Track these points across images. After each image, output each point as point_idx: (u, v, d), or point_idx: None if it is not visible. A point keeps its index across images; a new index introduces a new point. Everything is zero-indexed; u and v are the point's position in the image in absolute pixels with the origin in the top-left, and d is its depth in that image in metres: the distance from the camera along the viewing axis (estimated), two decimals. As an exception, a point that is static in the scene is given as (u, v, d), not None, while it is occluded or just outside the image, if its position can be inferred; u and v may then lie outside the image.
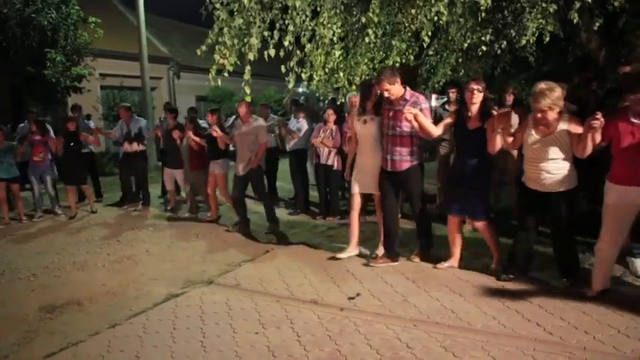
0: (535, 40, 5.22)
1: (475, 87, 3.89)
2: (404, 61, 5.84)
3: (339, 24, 4.72)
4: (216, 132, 6.07)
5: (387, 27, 5.60)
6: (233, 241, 5.70)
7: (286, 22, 4.34)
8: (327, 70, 4.94)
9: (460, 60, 6.70)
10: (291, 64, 4.42)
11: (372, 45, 5.34)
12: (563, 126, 3.42)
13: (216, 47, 4.05)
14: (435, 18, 4.81)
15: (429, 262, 4.34)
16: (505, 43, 5.52)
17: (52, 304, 3.99)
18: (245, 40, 4.07)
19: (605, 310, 3.25)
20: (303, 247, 5.16)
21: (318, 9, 4.53)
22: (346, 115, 6.37)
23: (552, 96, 3.34)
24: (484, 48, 5.48)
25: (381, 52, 5.81)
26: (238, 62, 4.22)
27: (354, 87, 5.71)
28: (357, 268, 4.34)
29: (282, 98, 17.75)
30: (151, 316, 3.60)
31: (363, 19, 4.86)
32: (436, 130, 4.04)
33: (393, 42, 5.54)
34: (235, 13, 4.00)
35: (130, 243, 5.83)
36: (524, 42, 5.14)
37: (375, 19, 4.76)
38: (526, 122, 3.63)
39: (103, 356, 3.05)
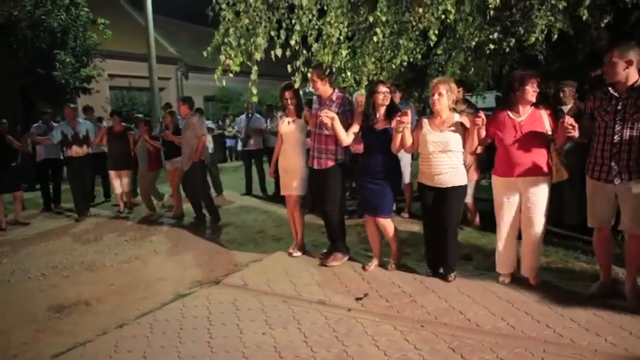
0: (544, 38, 5.16)
1: (385, 89, 4.05)
2: (412, 60, 5.79)
3: (346, 23, 4.69)
4: (168, 135, 6.79)
5: (395, 26, 5.56)
6: (240, 241, 5.71)
7: (293, 21, 4.32)
8: (333, 69, 4.91)
9: (469, 59, 6.63)
10: (298, 63, 4.40)
11: (379, 44, 5.30)
12: (456, 119, 3.75)
13: (222, 48, 4.04)
14: (443, 16, 4.76)
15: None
16: (513, 40, 5.45)
17: (61, 304, 4.02)
18: (251, 40, 4.06)
19: (617, 312, 3.20)
20: (311, 246, 5.14)
21: (325, 8, 4.50)
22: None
23: (452, 86, 3.77)
24: (492, 46, 5.42)
25: (388, 52, 5.77)
26: (247, 62, 4.20)
27: (361, 86, 5.68)
28: (367, 269, 4.32)
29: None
30: (158, 316, 3.61)
31: (371, 19, 4.82)
32: (347, 139, 4.15)
33: (401, 41, 5.49)
34: (241, 14, 3.99)
35: (137, 243, 5.86)
36: (532, 40, 5.07)
37: (383, 18, 4.72)
38: (421, 122, 3.92)
39: (110, 356, 3.06)
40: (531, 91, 3.50)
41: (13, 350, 3.26)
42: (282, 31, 4.28)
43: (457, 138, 3.73)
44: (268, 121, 8.70)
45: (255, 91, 4.36)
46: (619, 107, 3.20)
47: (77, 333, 3.45)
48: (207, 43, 4.24)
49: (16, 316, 3.86)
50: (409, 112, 3.78)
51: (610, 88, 3.28)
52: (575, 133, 3.23)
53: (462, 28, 5.48)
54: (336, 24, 4.50)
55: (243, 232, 6.09)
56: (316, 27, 4.52)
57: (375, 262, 4.32)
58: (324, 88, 4.39)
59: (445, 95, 3.72)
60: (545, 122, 3.53)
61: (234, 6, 4.02)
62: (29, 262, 5.27)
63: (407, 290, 3.80)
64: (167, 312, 3.69)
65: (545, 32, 5.01)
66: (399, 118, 3.71)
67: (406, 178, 6.27)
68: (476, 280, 3.88)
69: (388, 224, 4.17)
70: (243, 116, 9.20)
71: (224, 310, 3.64)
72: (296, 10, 4.30)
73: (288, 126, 4.70)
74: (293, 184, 4.67)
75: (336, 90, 4.45)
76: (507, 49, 5.57)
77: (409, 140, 3.88)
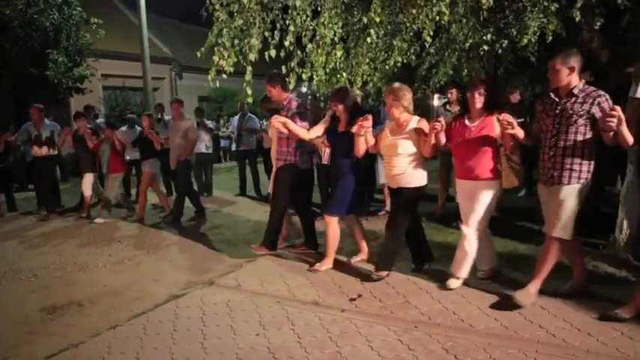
0: (537, 40, 5.19)
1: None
2: (405, 60, 5.82)
3: (340, 24, 4.71)
4: (153, 134, 6.77)
5: (389, 27, 5.58)
6: (234, 242, 5.69)
7: (287, 22, 4.33)
8: (327, 70, 4.93)
9: (462, 59, 6.67)
10: (292, 64, 4.41)
11: (373, 45, 5.32)
12: (413, 125, 3.92)
13: (215, 48, 4.04)
14: (437, 18, 4.79)
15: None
16: (506, 42, 5.49)
17: (53, 305, 3.99)
18: (245, 40, 4.06)
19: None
20: (304, 247, 5.13)
21: (319, 9, 4.52)
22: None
23: (397, 92, 3.88)
24: (485, 47, 5.46)
25: (382, 52, 5.79)
26: (242, 62, 4.21)
27: (355, 87, 5.69)
28: (359, 270, 4.32)
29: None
30: (151, 317, 3.60)
31: (365, 19, 4.84)
32: (307, 135, 4.41)
33: (395, 42, 5.52)
34: (235, 14, 3.99)
35: (131, 244, 5.83)
36: (525, 41, 5.11)
37: (377, 19, 4.75)
38: (384, 127, 4.12)
39: (103, 357, 3.04)
40: (476, 98, 3.63)
41: (5, 352, 3.23)
42: (276, 32, 4.28)
43: (408, 143, 3.90)
44: (263, 121, 8.69)
45: (249, 92, 4.37)
46: (557, 111, 3.26)
47: (69, 334, 3.42)
48: (202, 43, 4.24)
49: (7, 317, 3.82)
50: (369, 116, 3.95)
51: (552, 93, 3.34)
52: (517, 132, 3.34)
53: (455, 30, 5.51)
54: (330, 25, 4.53)
55: (237, 233, 6.08)
56: (310, 28, 4.53)
57: (361, 255, 4.52)
58: (278, 95, 4.61)
59: (398, 102, 3.88)
60: (495, 128, 3.58)
61: (228, 7, 4.02)
62: (21, 262, 5.23)
63: (400, 291, 3.81)
64: (160, 313, 3.68)
65: (537, 34, 5.05)
66: (360, 122, 3.90)
67: (381, 178, 6.28)
68: (469, 280, 3.90)
69: (330, 222, 4.31)
70: (237, 116, 9.19)
71: (218, 311, 3.63)
72: (290, 11, 4.31)
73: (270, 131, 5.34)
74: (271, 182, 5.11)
75: (290, 95, 4.67)
76: (500, 51, 5.61)
77: (371, 142, 4.11)
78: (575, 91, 3.19)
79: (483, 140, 3.62)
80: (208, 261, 5.02)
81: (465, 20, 5.46)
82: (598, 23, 4.89)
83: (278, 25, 4.30)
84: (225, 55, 4.00)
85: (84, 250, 5.62)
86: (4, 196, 8.13)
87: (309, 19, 4.49)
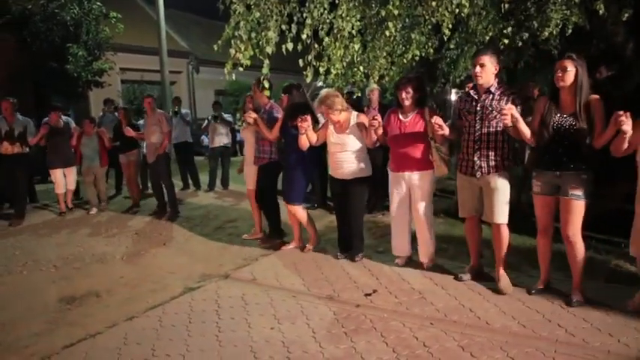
0: (559, 33, 5.06)
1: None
2: (423, 54, 5.73)
3: (358, 17, 4.65)
4: (129, 131, 7.01)
5: (407, 20, 5.49)
6: (250, 236, 5.71)
7: (304, 15, 4.29)
8: (344, 63, 4.88)
9: (481, 53, 6.54)
10: (310, 57, 4.37)
11: (391, 38, 5.24)
12: (354, 121, 4.26)
13: (232, 41, 4.02)
14: (456, 10, 4.69)
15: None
16: (527, 35, 5.36)
17: (72, 296, 4.05)
18: (262, 33, 4.04)
19: (630, 312, 3.15)
20: (320, 242, 5.12)
21: (337, 1, 4.46)
22: (365, 108, 6.32)
23: (327, 102, 4.20)
24: (505, 41, 5.33)
25: (400, 46, 5.70)
26: (259, 55, 4.19)
27: (372, 81, 5.63)
28: (374, 265, 4.30)
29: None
30: (167, 309, 3.63)
31: (383, 12, 4.77)
32: (270, 135, 4.84)
33: (413, 35, 5.43)
34: (252, 7, 3.97)
35: (148, 236, 5.90)
36: (547, 34, 4.98)
37: (395, 12, 4.67)
38: (326, 123, 4.41)
39: (119, 348, 3.08)
40: (404, 96, 3.95)
41: (25, 341, 3.30)
42: (293, 25, 4.25)
43: (354, 138, 4.25)
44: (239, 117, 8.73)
45: (267, 85, 4.36)
46: (478, 108, 3.55)
47: (87, 325, 3.47)
48: (219, 37, 4.22)
49: (28, 307, 3.90)
50: (308, 117, 4.25)
51: (472, 91, 3.62)
52: (444, 131, 3.60)
53: (474, 22, 5.40)
54: (347, 17, 4.47)
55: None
56: (327, 20, 4.49)
57: (292, 244, 4.93)
58: (260, 98, 5.06)
59: (332, 109, 4.19)
60: (426, 123, 3.90)
61: (244, -1, 4.00)
62: (40, 253, 5.33)
63: (416, 287, 3.77)
64: (176, 305, 3.71)
65: (560, 26, 4.92)
66: (299, 124, 4.20)
67: None
68: (486, 277, 3.84)
69: (296, 211, 4.74)
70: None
71: (233, 304, 3.64)
72: (307, 4, 4.27)
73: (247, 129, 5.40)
74: (250, 177, 5.43)
75: (271, 101, 5.12)
76: (520, 44, 5.48)
77: (313, 139, 4.41)
78: (492, 89, 3.49)
79: (416, 134, 3.94)
80: (224, 254, 5.05)
81: (484, 13, 5.34)
82: (626, 15, 4.74)
83: (295, 18, 4.25)
84: (242, 48, 3.98)
85: (102, 242, 5.70)
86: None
87: (326, 11, 4.43)
